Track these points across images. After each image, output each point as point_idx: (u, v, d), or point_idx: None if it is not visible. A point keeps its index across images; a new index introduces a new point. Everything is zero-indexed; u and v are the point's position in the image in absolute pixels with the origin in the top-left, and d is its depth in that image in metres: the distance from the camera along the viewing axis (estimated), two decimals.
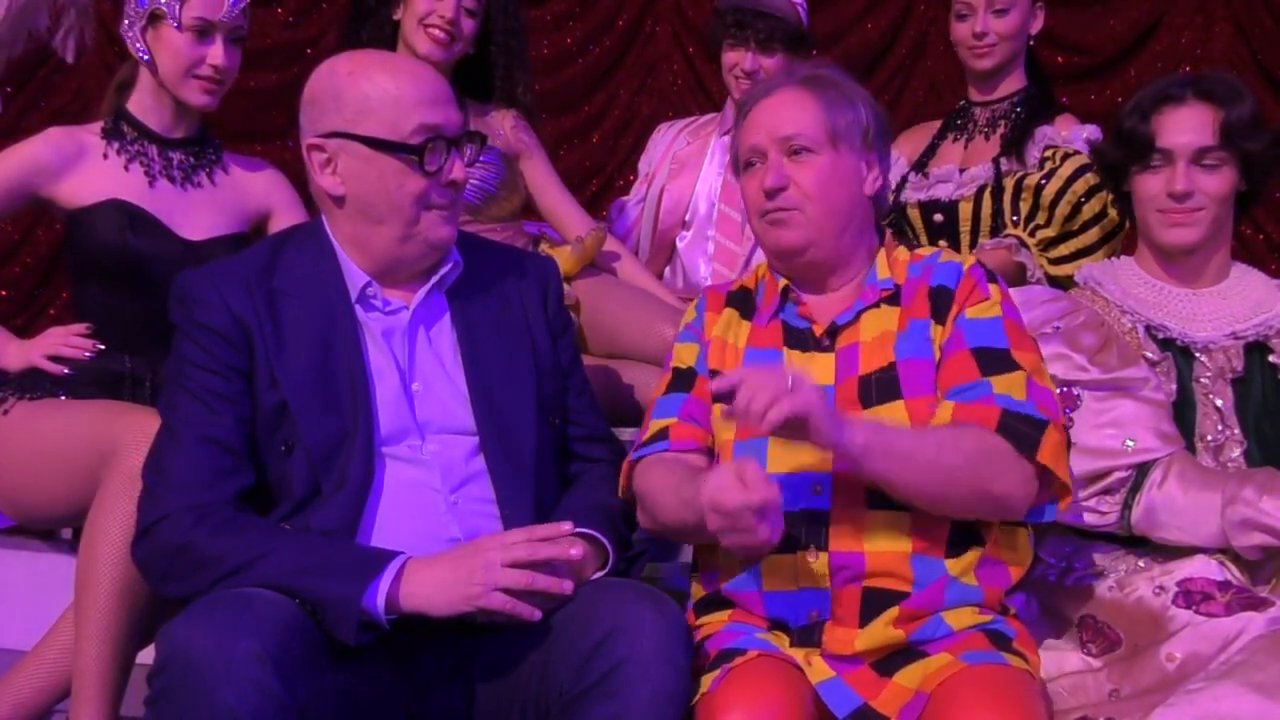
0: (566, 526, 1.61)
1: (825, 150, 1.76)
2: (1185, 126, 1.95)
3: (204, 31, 2.22)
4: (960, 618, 1.63)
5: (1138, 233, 2.08)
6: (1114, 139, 2.05)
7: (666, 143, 3.05)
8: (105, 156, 2.27)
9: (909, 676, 1.57)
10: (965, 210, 2.61)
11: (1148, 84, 2.09)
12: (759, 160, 1.79)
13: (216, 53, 2.22)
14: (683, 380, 1.82)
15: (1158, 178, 1.96)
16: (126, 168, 2.27)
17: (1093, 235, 2.51)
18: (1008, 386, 1.65)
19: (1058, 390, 1.86)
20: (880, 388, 1.69)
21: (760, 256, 2.63)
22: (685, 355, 1.84)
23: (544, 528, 1.61)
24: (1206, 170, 1.94)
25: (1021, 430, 1.62)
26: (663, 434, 1.77)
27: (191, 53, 2.22)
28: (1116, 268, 2.07)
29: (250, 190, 2.40)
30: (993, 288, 1.75)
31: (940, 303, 1.74)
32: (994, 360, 1.67)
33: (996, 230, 2.59)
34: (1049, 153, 2.57)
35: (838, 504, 1.64)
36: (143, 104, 2.29)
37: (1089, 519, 1.85)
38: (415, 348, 1.77)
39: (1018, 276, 2.48)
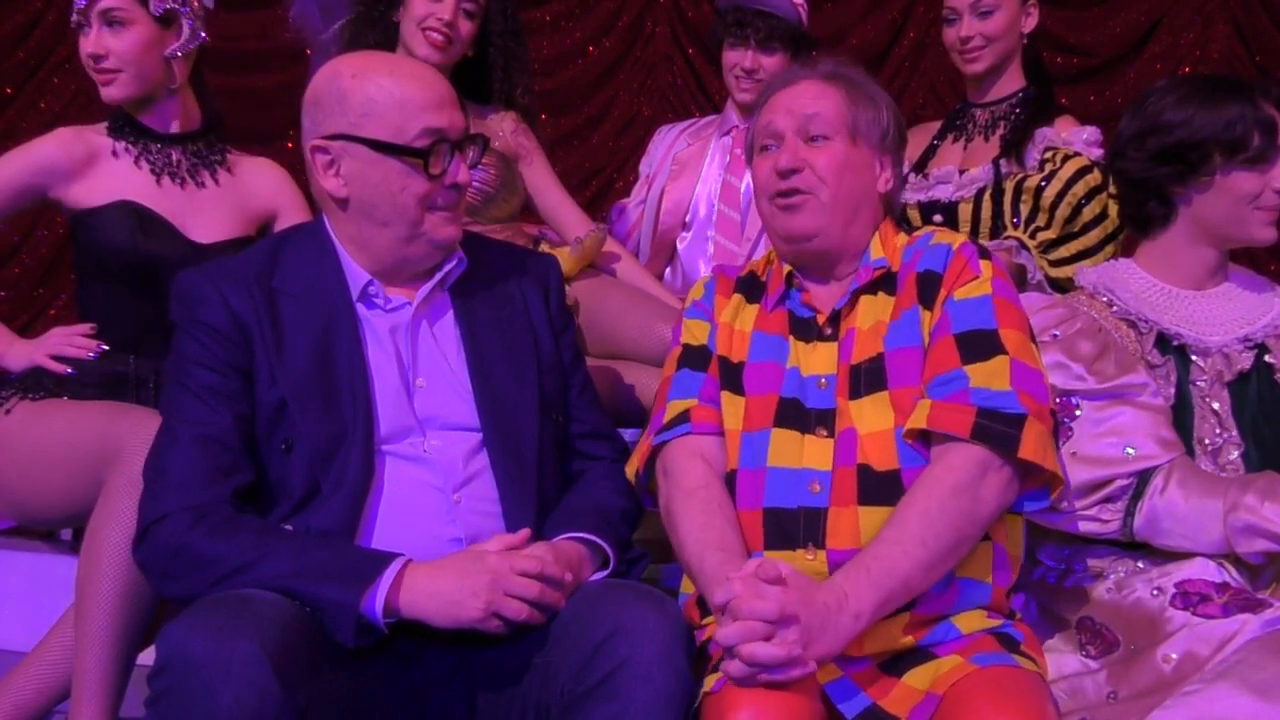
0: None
1: (842, 139, 1.77)
2: None
3: (80, 26, 2.23)
4: (969, 621, 1.63)
5: (1185, 232, 1.98)
6: (1209, 126, 1.92)
7: (667, 145, 3.06)
8: (115, 154, 2.27)
9: (919, 677, 1.57)
10: (965, 212, 2.61)
11: (1147, 85, 2.07)
12: (775, 143, 1.80)
13: (89, 42, 2.22)
14: (696, 357, 1.82)
15: (1263, 175, 1.91)
16: (137, 164, 2.27)
17: (1093, 237, 2.51)
18: (987, 377, 1.63)
19: (1056, 400, 1.86)
20: (868, 378, 1.70)
21: (760, 256, 2.63)
22: (697, 332, 1.84)
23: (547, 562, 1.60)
24: None
25: (997, 431, 1.59)
26: (684, 416, 1.76)
27: (80, 48, 2.25)
28: (1121, 273, 2.04)
29: (256, 191, 2.40)
30: (984, 264, 1.73)
31: (927, 288, 1.73)
32: (977, 345, 1.66)
33: (996, 232, 2.59)
34: (1049, 154, 2.56)
35: (836, 502, 1.64)
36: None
37: (1091, 528, 1.85)
38: (419, 343, 1.77)
39: (1019, 279, 2.48)
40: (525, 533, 1.64)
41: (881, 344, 1.71)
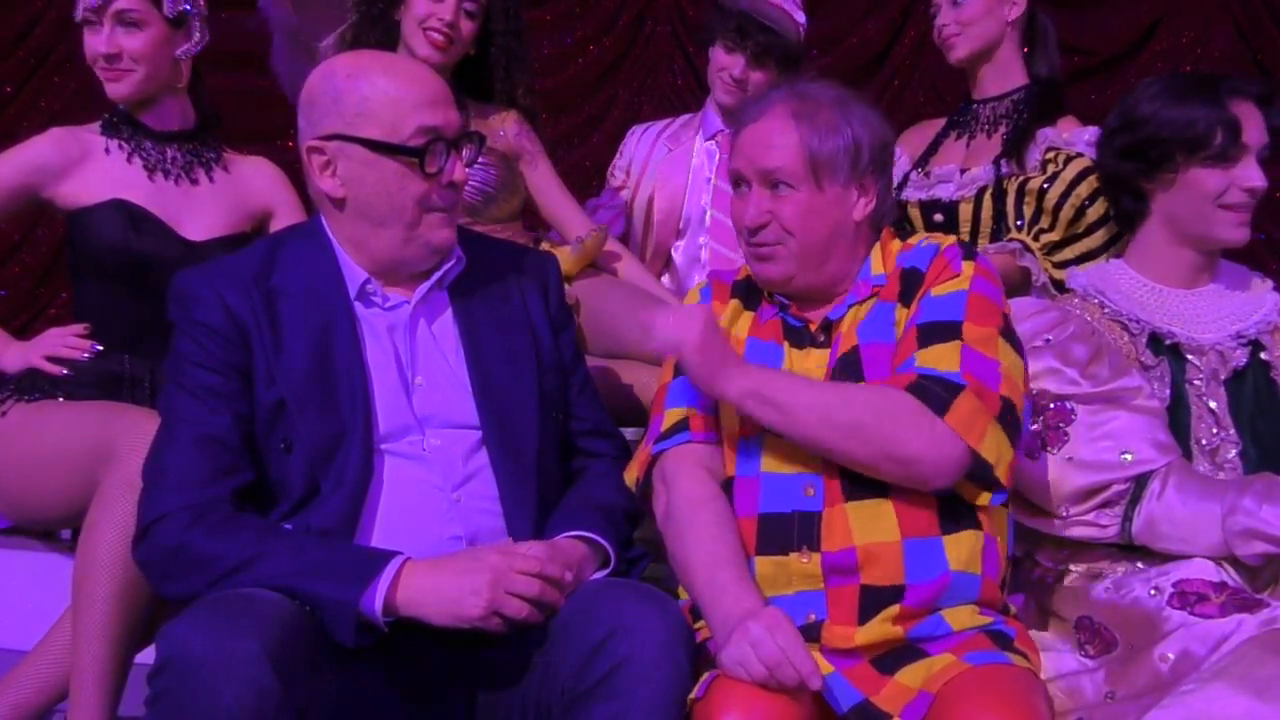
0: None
1: (805, 185, 1.74)
2: (1256, 123, 1.91)
3: (90, 23, 2.24)
4: (959, 617, 1.63)
5: (1161, 230, 1.99)
6: (1171, 124, 1.92)
7: (645, 150, 3.05)
8: (107, 152, 2.28)
9: (911, 675, 1.57)
10: (965, 211, 2.60)
11: None
12: (745, 185, 1.79)
13: (100, 41, 2.23)
14: None
15: (1227, 173, 1.91)
16: (129, 161, 2.27)
17: (1098, 238, 2.50)
18: (936, 358, 1.64)
19: (1051, 405, 1.85)
20: (844, 369, 1.70)
21: None
22: None
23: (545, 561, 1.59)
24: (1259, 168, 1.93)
25: (933, 391, 1.60)
26: (683, 424, 1.76)
27: (89, 46, 2.25)
28: (1111, 273, 2.04)
29: (251, 189, 2.40)
30: (966, 264, 1.73)
31: (909, 284, 1.74)
32: (935, 334, 1.66)
33: (997, 233, 2.59)
34: (1050, 155, 2.55)
35: (830, 505, 1.65)
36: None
37: (1089, 533, 1.84)
38: (416, 342, 1.77)
39: (1023, 282, 2.48)
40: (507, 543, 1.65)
41: (856, 337, 1.72)
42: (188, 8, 2.28)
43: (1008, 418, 1.64)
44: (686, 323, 1.67)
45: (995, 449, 1.62)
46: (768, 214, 1.75)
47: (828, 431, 1.61)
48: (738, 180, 1.81)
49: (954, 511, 1.65)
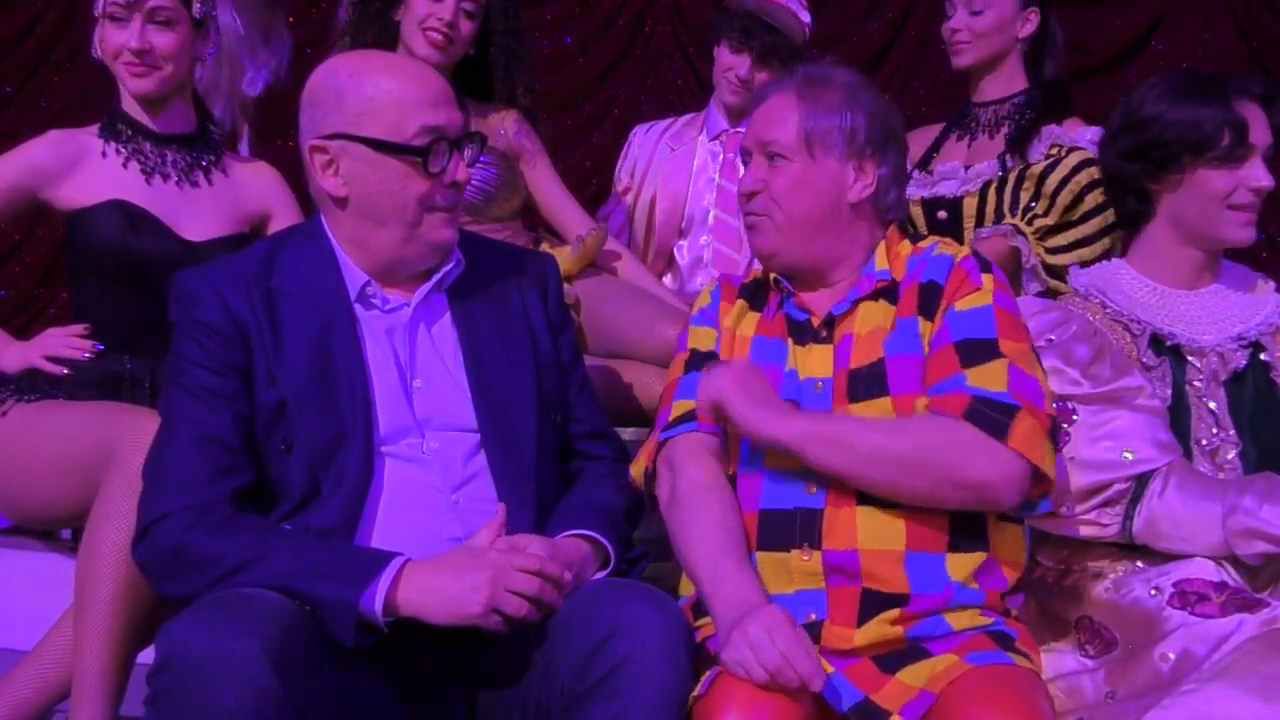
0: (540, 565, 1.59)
1: (799, 157, 1.77)
2: (1261, 123, 1.91)
3: (119, 17, 2.24)
4: (961, 618, 1.63)
5: (1166, 230, 1.98)
6: (1178, 125, 1.91)
7: (649, 150, 3.05)
8: (104, 155, 2.28)
9: (913, 675, 1.57)
10: (970, 206, 2.61)
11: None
12: (748, 159, 1.84)
13: (131, 36, 2.22)
14: (702, 362, 1.82)
15: (1235, 173, 1.90)
16: (125, 165, 2.27)
17: (1092, 226, 2.51)
18: (985, 377, 1.64)
19: (1054, 405, 1.85)
20: (868, 383, 1.70)
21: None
22: (704, 338, 1.85)
23: (545, 560, 1.59)
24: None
25: (990, 416, 1.61)
26: (691, 414, 1.76)
27: (113, 39, 2.25)
28: (1114, 273, 2.04)
29: (249, 191, 2.40)
30: (985, 277, 1.74)
31: (929, 298, 1.74)
32: (976, 351, 1.67)
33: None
34: (1054, 150, 2.56)
35: (833, 503, 1.65)
36: (131, 101, 2.30)
37: (1090, 532, 1.84)
38: (416, 344, 1.77)
39: (1012, 262, 2.48)
40: (501, 508, 1.65)
41: (881, 349, 1.72)
42: (210, 10, 2.29)
43: (1053, 433, 1.67)
44: (723, 374, 1.69)
45: (1051, 464, 1.65)
46: (761, 182, 1.80)
47: (895, 468, 1.60)
48: (746, 153, 1.86)
49: (965, 530, 1.65)
